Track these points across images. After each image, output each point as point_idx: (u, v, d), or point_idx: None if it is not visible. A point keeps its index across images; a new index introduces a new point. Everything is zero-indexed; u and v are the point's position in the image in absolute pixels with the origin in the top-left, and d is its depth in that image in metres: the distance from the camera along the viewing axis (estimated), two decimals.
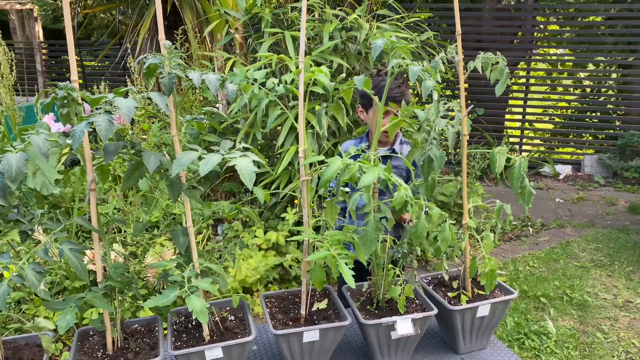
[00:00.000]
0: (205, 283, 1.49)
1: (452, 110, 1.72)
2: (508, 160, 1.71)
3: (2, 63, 3.40)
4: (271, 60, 2.14)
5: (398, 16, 3.70)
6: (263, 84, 1.73)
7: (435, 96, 1.55)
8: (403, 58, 1.64)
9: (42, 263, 2.81)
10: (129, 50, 4.43)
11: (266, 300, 1.90)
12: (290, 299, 1.93)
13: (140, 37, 4.26)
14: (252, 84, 1.70)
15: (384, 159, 2.33)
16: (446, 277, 1.98)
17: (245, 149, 1.47)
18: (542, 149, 7.59)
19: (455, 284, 1.95)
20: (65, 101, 1.44)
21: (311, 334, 1.70)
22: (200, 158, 1.37)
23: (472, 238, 1.92)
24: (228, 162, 1.34)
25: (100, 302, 1.51)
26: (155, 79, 1.52)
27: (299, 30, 3.45)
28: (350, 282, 1.45)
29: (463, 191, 1.86)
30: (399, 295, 1.77)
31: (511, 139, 7.42)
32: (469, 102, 6.96)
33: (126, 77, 4.41)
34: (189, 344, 1.66)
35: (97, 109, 1.34)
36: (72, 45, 1.48)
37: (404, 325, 1.74)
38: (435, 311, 1.78)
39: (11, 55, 3.47)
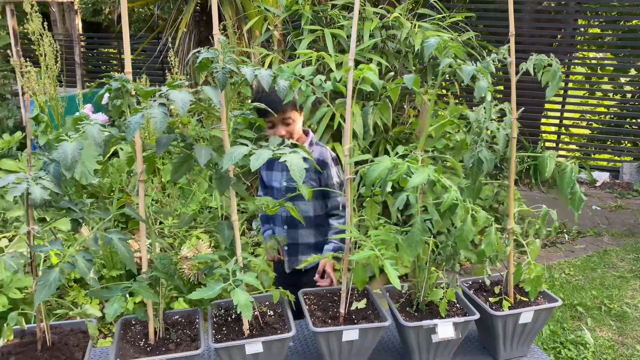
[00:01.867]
0: (250, 277, 1.50)
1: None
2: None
3: (48, 54, 3.48)
4: (310, 57, 2.13)
5: (439, 16, 3.65)
6: (310, 82, 1.72)
7: (488, 97, 1.52)
8: (455, 58, 1.61)
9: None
10: (169, 44, 4.49)
11: (304, 296, 1.90)
12: (329, 296, 1.92)
13: (180, 32, 4.32)
14: (299, 80, 1.70)
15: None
16: (487, 282, 1.95)
17: (294, 146, 1.47)
18: (578, 154, 7.41)
19: (497, 289, 1.92)
20: (119, 92, 1.46)
21: (351, 333, 1.70)
22: (250, 153, 1.38)
23: (516, 243, 1.88)
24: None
25: (146, 292, 1.53)
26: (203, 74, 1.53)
27: (338, 28, 3.44)
28: (396, 283, 1.44)
29: (510, 195, 1.82)
30: (441, 299, 1.74)
31: (547, 144, 7.26)
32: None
33: (165, 71, 4.47)
34: (229, 338, 1.67)
35: (152, 101, 1.35)
36: (127, 40, 1.50)
37: (445, 329, 1.71)
38: (477, 316, 1.75)
39: (55, 47, 3.56)
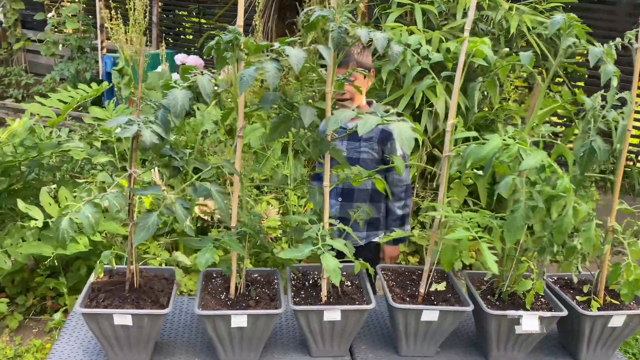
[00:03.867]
0: (339, 243, 1.48)
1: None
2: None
3: (137, 9, 3.56)
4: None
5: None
6: (415, 51, 1.66)
7: (614, 82, 1.42)
8: (576, 38, 1.51)
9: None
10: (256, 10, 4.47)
11: (382, 272, 1.87)
12: (407, 275, 1.89)
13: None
14: (405, 49, 1.64)
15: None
16: (575, 280, 1.85)
17: (399, 115, 1.42)
18: None
19: (585, 288, 1.82)
20: (230, 45, 1.45)
21: (430, 314, 1.66)
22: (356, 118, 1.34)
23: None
24: (386, 125, 1.30)
25: (236, 245, 1.54)
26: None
27: (428, 4, 3.32)
28: (494, 267, 1.38)
29: (615, 191, 1.71)
30: (528, 291, 1.67)
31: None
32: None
33: (249, 35, 4.48)
34: (307, 302, 1.67)
35: (265, 56, 1.34)
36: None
37: (530, 322, 1.64)
38: (565, 312, 1.67)
39: (145, 2, 3.63)
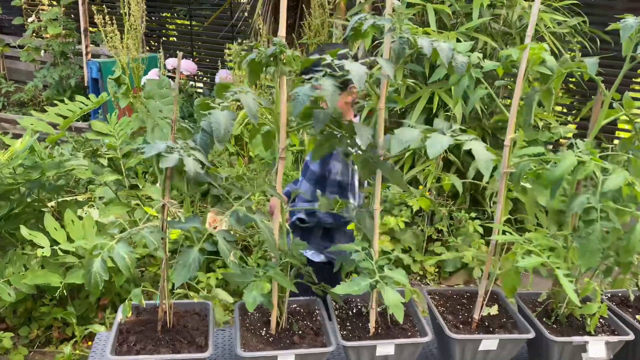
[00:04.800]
0: (399, 274, 1.35)
1: None
2: None
3: (134, 14, 3.37)
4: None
5: None
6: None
7: None
8: None
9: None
10: (245, 14, 4.31)
11: (430, 296, 1.74)
12: (455, 298, 1.76)
13: (260, 1, 4.14)
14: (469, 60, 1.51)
15: None
16: (632, 297, 1.75)
17: (462, 131, 1.29)
18: None
19: None
20: (274, 58, 1.30)
21: (488, 343, 1.54)
22: (425, 137, 1.21)
23: None
24: (461, 145, 1.17)
25: (283, 279, 1.39)
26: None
27: (439, 3, 3.20)
28: (575, 298, 1.26)
29: None
30: (593, 314, 1.56)
31: None
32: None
33: (236, 40, 4.34)
34: (355, 335, 1.54)
35: (320, 72, 1.20)
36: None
37: (596, 348, 1.53)
38: (632, 336, 1.56)
39: (142, 7, 3.44)
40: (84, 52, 6.59)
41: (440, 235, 3.12)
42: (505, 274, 1.48)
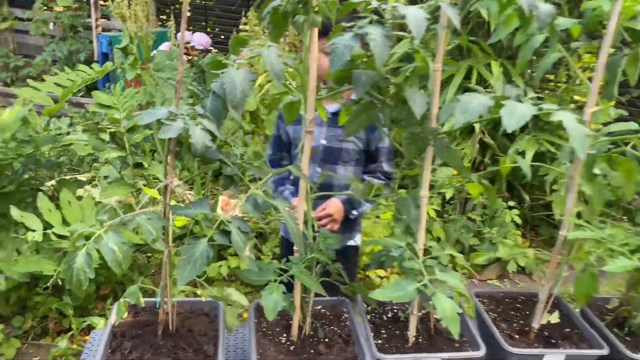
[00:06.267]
0: (455, 278, 1.09)
1: None
2: None
3: None
4: None
5: None
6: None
7: None
8: None
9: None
10: None
11: (478, 299, 1.49)
12: (507, 302, 1.51)
13: None
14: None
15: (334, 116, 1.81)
16: None
17: (539, 99, 1.02)
18: None
19: None
20: (302, 5, 1.04)
21: (552, 359, 1.28)
22: (497, 105, 0.94)
23: None
24: (547, 116, 0.90)
25: (309, 279, 1.14)
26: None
27: None
28: None
29: None
30: None
31: None
32: None
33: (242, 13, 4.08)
34: (392, 344, 1.29)
35: (365, 19, 0.93)
36: None
37: None
38: None
39: None
40: (93, 26, 6.35)
41: (474, 224, 2.84)
42: (580, 278, 1.22)
